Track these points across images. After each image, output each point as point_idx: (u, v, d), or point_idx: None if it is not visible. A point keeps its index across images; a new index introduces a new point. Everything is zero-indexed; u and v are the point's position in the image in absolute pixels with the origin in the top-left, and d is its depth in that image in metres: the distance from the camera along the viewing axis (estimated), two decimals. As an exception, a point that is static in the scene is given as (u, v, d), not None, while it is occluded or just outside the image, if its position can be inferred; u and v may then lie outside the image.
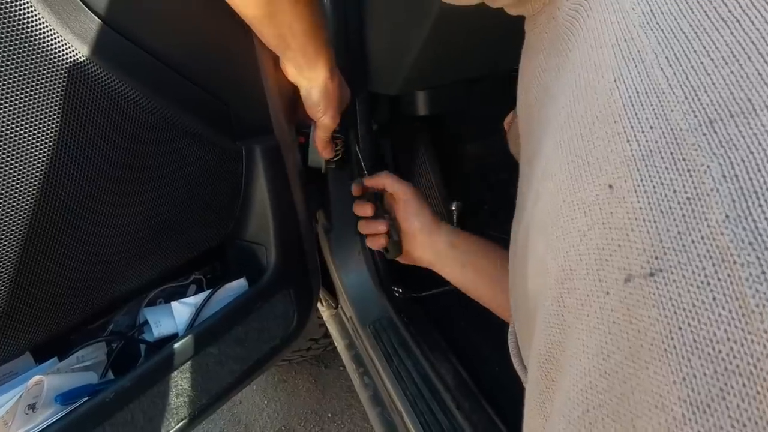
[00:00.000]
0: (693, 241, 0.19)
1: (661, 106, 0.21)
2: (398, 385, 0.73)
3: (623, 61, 0.24)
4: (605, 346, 0.22)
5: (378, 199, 0.72)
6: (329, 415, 1.49)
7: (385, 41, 0.64)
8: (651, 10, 0.24)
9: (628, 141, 0.22)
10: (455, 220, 0.94)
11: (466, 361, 0.73)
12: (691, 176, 0.20)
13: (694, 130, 0.20)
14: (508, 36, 0.66)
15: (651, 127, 0.22)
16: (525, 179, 0.36)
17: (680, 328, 0.19)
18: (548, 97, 0.31)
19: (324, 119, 0.65)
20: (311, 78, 0.61)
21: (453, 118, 0.98)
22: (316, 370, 1.61)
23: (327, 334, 1.11)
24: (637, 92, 0.23)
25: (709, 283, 0.18)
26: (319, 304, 1.02)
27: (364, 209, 0.72)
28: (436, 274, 0.69)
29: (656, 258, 0.20)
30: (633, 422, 0.20)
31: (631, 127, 0.22)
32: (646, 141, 0.21)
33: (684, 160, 0.20)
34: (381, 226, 0.71)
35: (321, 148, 0.70)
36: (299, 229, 0.70)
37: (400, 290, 0.86)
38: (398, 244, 0.70)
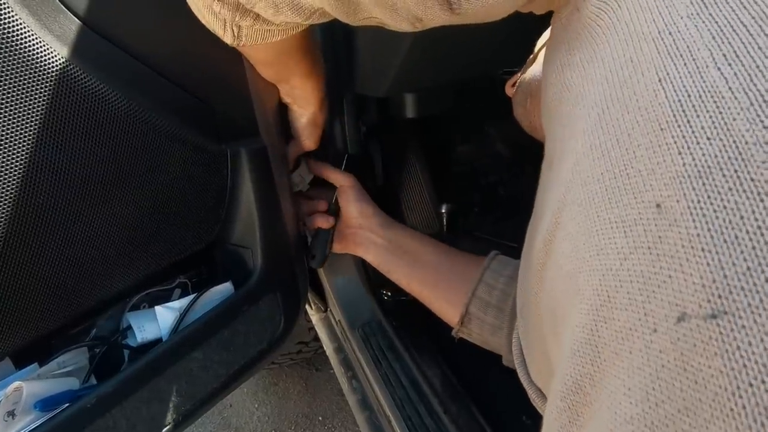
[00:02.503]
0: (767, 280, 0.16)
1: (720, 113, 0.18)
2: (386, 389, 0.73)
3: (669, 59, 0.21)
4: (653, 392, 0.19)
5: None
6: (320, 418, 1.49)
7: (371, 42, 0.64)
8: None
9: (680, 153, 0.19)
10: (445, 223, 0.94)
11: (453, 364, 0.73)
12: (762, 201, 0.17)
13: (763, 144, 0.17)
14: (496, 38, 0.66)
15: (708, 139, 0.18)
16: (545, 183, 0.33)
17: (751, 385, 0.15)
18: (573, 96, 0.28)
19: (306, 143, 0.67)
20: (303, 107, 0.63)
21: (442, 121, 0.98)
22: (307, 373, 1.60)
23: (317, 338, 1.11)
24: (689, 95, 0.19)
25: None
26: (308, 307, 1.01)
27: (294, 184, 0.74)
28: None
29: (719, 297, 0.17)
30: None
31: (683, 136, 0.19)
32: (703, 155, 0.18)
33: (752, 180, 0.17)
34: (320, 205, 0.73)
35: (290, 161, 0.72)
36: (286, 232, 0.69)
37: (389, 293, 0.86)
38: (335, 210, 0.72)
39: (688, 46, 0.20)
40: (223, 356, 0.63)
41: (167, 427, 0.58)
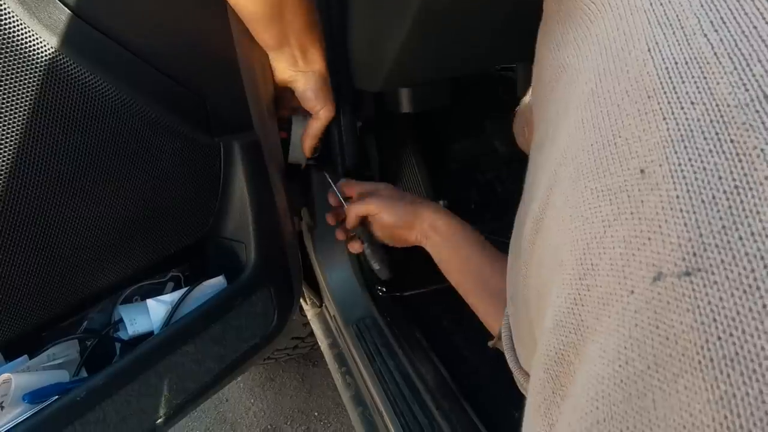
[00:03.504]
0: (741, 238, 0.16)
1: (705, 78, 0.19)
2: (380, 385, 0.72)
3: (659, 28, 0.21)
4: (624, 351, 0.19)
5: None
6: (316, 413, 1.49)
7: (366, 37, 0.64)
8: None
9: (664, 119, 0.19)
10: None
11: (446, 361, 0.73)
12: (740, 161, 0.17)
13: (744, 106, 0.17)
14: (492, 34, 0.65)
15: (692, 103, 0.19)
16: (535, 166, 0.32)
17: (719, 338, 0.16)
18: (567, 75, 0.28)
19: (323, 111, 0.65)
20: (307, 72, 0.60)
21: (439, 116, 0.98)
22: (304, 368, 1.60)
23: (313, 333, 1.11)
24: (676, 63, 0.20)
25: (758, 288, 0.15)
26: (303, 302, 1.01)
27: (331, 219, 0.75)
28: (419, 273, 0.69)
29: (694, 255, 0.17)
30: None
31: (668, 102, 0.19)
32: (686, 119, 0.19)
33: (732, 141, 0.17)
34: (355, 246, 0.73)
35: (311, 141, 0.69)
36: (280, 227, 0.69)
37: (384, 289, 0.86)
38: (384, 263, 0.72)
39: (677, 15, 0.21)
40: (215, 350, 0.63)
41: (159, 421, 0.58)
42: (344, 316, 0.84)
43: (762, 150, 0.16)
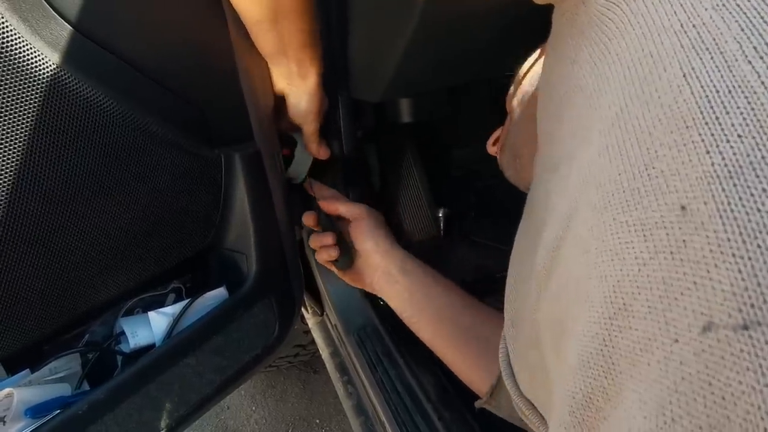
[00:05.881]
0: None
1: (753, 109, 0.17)
2: (381, 394, 0.72)
3: (694, 52, 0.19)
4: (669, 406, 0.17)
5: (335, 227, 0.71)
6: (317, 421, 1.48)
7: (366, 47, 0.64)
8: None
9: (708, 153, 0.18)
10: (442, 227, 0.94)
11: (447, 371, 0.73)
12: None
13: None
14: (492, 43, 0.66)
15: (740, 136, 0.17)
16: (546, 188, 0.31)
17: None
18: (584, 95, 0.26)
19: (309, 127, 0.65)
20: (300, 86, 0.61)
21: (439, 125, 0.98)
22: (305, 375, 1.60)
23: (314, 341, 1.11)
24: (717, 91, 0.18)
25: None
26: (304, 311, 1.01)
27: (306, 221, 0.70)
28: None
29: (752, 306, 0.16)
30: None
31: (711, 135, 0.18)
32: (734, 154, 0.17)
33: None
34: (327, 239, 0.68)
35: (315, 150, 0.70)
36: (281, 238, 0.69)
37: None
38: (349, 256, 0.68)
39: (714, 39, 0.19)
40: (217, 362, 0.63)
41: (160, 434, 0.58)
42: (345, 325, 0.84)
43: None
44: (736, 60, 0.18)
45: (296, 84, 0.61)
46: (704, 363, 0.16)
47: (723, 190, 0.17)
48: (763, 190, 0.16)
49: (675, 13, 0.21)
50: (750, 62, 0.18)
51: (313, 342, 1.18)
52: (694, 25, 0.20)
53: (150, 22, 0.50)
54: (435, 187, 0.93)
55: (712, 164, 0.17)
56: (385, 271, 0.64)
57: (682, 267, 0.18)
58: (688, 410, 0.17)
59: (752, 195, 0.16)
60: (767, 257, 0.16)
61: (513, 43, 0.62)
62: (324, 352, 0.95)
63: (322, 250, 0.69)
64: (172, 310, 0.60)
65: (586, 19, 0.27)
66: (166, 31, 0.52)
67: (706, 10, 0.20)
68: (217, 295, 0.64)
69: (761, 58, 0.18)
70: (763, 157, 0.16)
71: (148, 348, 0.58)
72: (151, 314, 0.59)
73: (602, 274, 0.21)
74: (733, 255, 0.16)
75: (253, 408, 1.54)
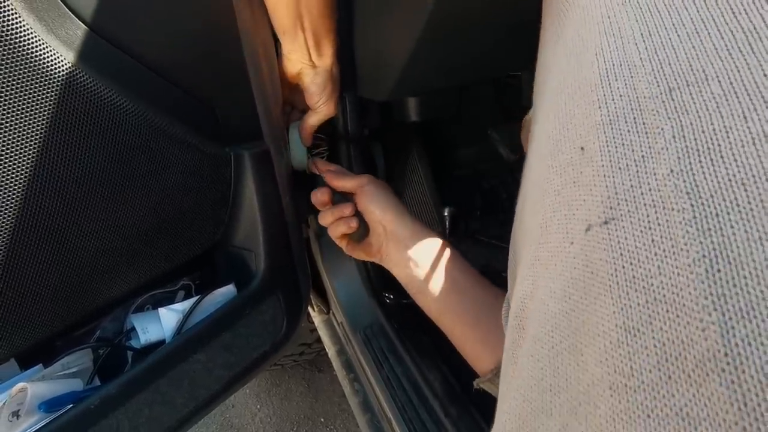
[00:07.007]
0: (642, 193, 0.21)
1: (632, 77, 0.24)
2: (388, 391, 0.73)
3: (604, 37, 0.26)
4: (567, 289, 0.24)
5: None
6: (322, 419, 1.49)
7: (374, 47, 0.64)
8: None
9: (599, 108, 0.25)
10: (447, 226, 0.94)
11: (454, 367, 0.73)
12: (647, 137, 0.22)
13: (655, 97, 0.22)
14: (499, 42, 0.66)
15: (620, 96, 0.24)
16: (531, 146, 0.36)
17: (623, 267, 0.21)
18: (546, 72, 0.33)
19: (324, 107, 0.63)
20: (317, 64, 0.60)
21: (445, 124, 0.98)
22: (310, 374, 1.60)
23: (319, 339, 1.11)
24: (613, 65, 0.25)
25: (650, 227, 0.20)
26: (310, 309, 1.01)
27: (321, 197, 0.65)
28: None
29: (611, 208, 0.22)
30: (582, 351, 0.22)
31: (604, 95, 0.25)
32: (615, 108, 0.24)
33: (644, 123, 0.22)
34: (346, 209, 0.63)
35: (306, 135, 0.67)
36: (289, 235, 0.69)
37: (391, 296, 0.86)
38: (363, 227, 0.64)
39: (618, 27, 0.26)
40: (226, 358, 0.64)
41: (170, 429, 0.59)
42: (352, 323, 0.84)
43: (662, 128, 0.21)
44: (628, 42, 0.25)
45: (312, 61, 0.59)
46: (585, 253, 0.23)
47: (605, 132, 0.24)
48: (628, 131, 0.23)
49: (599, 6, 0.28)
50: (636, 43, 0.24)
51: (317, 340, 1.18)
52: (608, 17, 0.27)
53: (162, 22, 0.51)
54: (440, 186, 0.93)
55: (601, 115, 0.24)
56: (394, 238, 0.61)
57: (578, 190, 0.25)
58: (576, 287, 0.23)
59: (621, 135, 0.23)
60: (623, 174, 0.22)
61: (520, 43, 0.62)
62: (330, 350, 0.95)
63: (340, 222, 0.64)
64: (181, 306, 0.61)
65: (555, 10, 0.33)
66: (179, 31, 0.52)
67: (617, 5, 0.26)
68: (225, 292, 0.64)
69: (644, 40, 0.24)
70: (632, 109, 0.23)
71: (159, 344, 0.59)
72: (161, 311, 0.60)
73: (536, 209, 0.29)
74: (604, 176, 0.23)
75: (258, 406, 1.54)
